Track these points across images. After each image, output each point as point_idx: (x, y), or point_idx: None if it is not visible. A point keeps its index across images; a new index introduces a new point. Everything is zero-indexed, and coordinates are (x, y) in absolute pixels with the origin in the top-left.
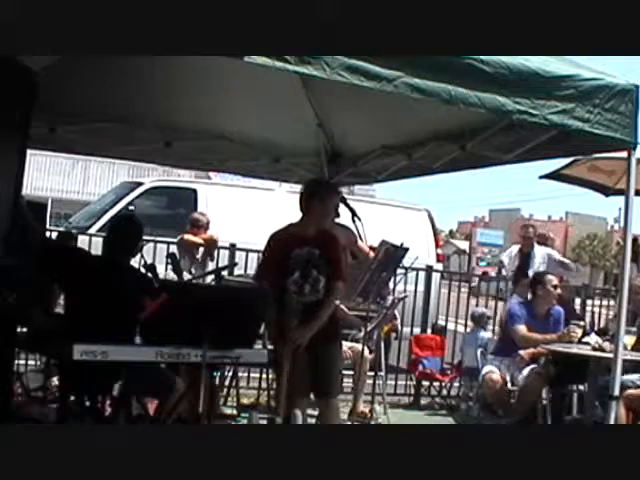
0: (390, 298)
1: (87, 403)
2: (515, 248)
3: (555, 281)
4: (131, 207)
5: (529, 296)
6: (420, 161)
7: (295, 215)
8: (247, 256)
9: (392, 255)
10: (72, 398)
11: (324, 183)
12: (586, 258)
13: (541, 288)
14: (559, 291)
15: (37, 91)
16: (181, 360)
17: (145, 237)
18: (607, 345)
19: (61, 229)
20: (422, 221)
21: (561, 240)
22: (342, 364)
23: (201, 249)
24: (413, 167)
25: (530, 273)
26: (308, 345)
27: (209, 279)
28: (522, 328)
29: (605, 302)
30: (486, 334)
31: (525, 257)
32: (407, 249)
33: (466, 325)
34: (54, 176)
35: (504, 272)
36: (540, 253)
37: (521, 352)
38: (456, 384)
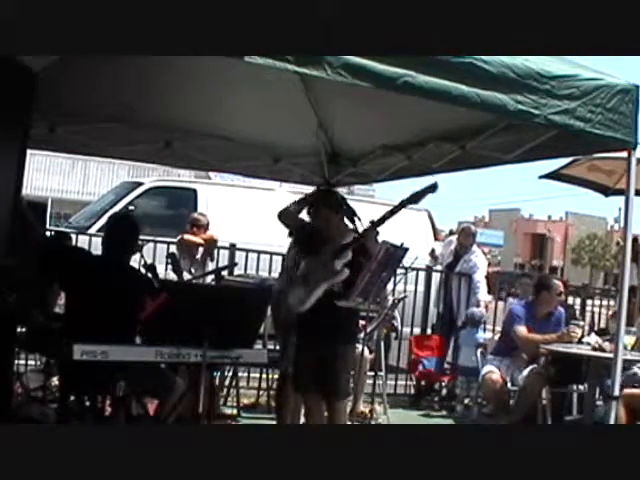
0: (390, 299)
1: (87, 403)
2: (454, 243)
3: (561, 288)
4: (131, 207)
5: (530, 297)
6: (420, 161)
7: None
8: (247, 256)
9: (392, 255)
10: (72, 398)
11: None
12: (586, 258)
13: (546, 293)
14: (562, 297)
15: (37, 91)
16: (181, 360)
17: (145, 237)
18: (607, 345)
19: (58, 229)
20: (422, 221)
21: (561, 240)
22: (352, 367)
23: (200, 249)
24: (413, 167)
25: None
26: (321, 344)
27: (209, 279)
28: (522, 329)
29: (605, 302)
30: (482, 334)
31: (458, 258)
32: (407, 249)
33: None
34: (54, 176)
35: (439, 260)
36: (470, 263)
37: (524, 355)
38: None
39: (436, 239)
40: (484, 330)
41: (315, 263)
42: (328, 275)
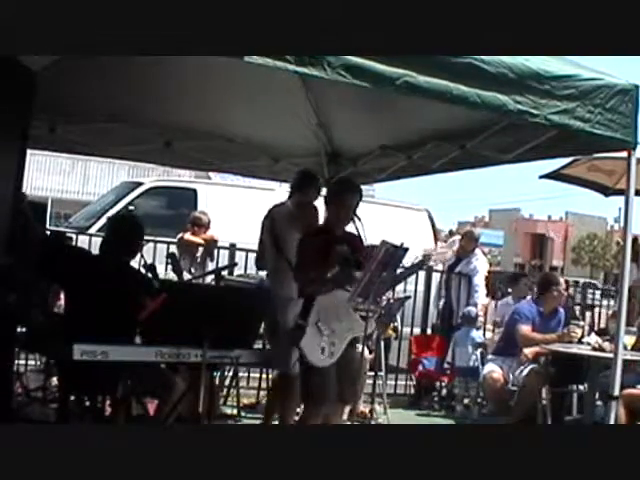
0: (390, 299)
1: (87, 403)
2: (457, 244)
3: (564, 283)
4: (131, 207)
5: (528, 296)
6: (420, 161)
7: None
8: (247, 256)
9: (392, 255)
10: (72, 398)
11: (343, 182)
12: (586, 258)
13: (554, 288)
14: (566, 293)
15: (37, 91)
16: (181, 360)
17: (145, 237)
18: (607, 345)
19: (58, 229)
20: (422, 221)
21: (561, 240)
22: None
23: (200, 249)
24: (413, 167)
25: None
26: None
27: (209, 279)
28: (524, 328)
29: (605, 302)
30: (478, 333)
31: (458, 260)
32: (407, 249)
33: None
34: (54, 176)
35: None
36: (470, 266)
37: (525, 351)
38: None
39: (436, 239)
40: (484, 331)
41: (329, 305)
42: (355, 328)
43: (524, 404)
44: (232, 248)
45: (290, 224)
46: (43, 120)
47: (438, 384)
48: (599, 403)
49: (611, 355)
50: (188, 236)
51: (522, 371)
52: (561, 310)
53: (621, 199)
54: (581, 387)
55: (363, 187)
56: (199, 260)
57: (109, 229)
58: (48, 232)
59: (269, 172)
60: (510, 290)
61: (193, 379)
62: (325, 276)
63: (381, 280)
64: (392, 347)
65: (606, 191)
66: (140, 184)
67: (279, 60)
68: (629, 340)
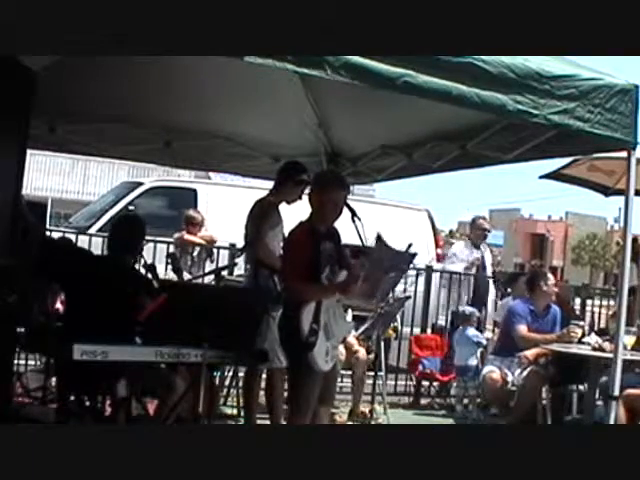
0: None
1: (87, 403)
2: (461, 244)
3: (553, 279)
4: (131, 207)
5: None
6: (420, 161)
7: (294, 215)
8: None
9: (394, 256)
10: (72, 398)
11: (325, 176)
12: (586, 258)
13: (543, 285)
14: (556, 289)
15: (37, 91)
16: (181, 360)
17: (145, 237)
18: (607, 345)
19: (58, 229)
20: (422, 221)
21: (561, 240)
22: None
23: (197, 248)
24: (413, 167)
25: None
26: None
27: (208, 279)
28: (523, 328)
29: (605, 302)
30: (476, 332)
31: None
32: (415, 254)
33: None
34: (54, 176)
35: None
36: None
37: (526, 353)
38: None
39: (436, 240)
40: (484, 331)
41: (333, 309)
42: (347, 329)
43: (524, 404)
44: (232, 248)
45: (254, 222)
46: (43, 120)
47: (438, 384)
48: (599, 403)
49: (611, 355)
50: (188, 236)
51: (522, 371)
52: (554, 307)
53: (621, 199)
54: (581, 387)
55: (363, 187)
56: (195, 259)
57: (112, 229)
58: (51, 232)
59: (269, 172)
60: (510, 290)
61: (193, 379)
62: (320, 281)
63: (383, 281)
64: (392, 347)
65: (606, 191)
66: (140, 184)
67: (279, 60)
68: (629, 340)
